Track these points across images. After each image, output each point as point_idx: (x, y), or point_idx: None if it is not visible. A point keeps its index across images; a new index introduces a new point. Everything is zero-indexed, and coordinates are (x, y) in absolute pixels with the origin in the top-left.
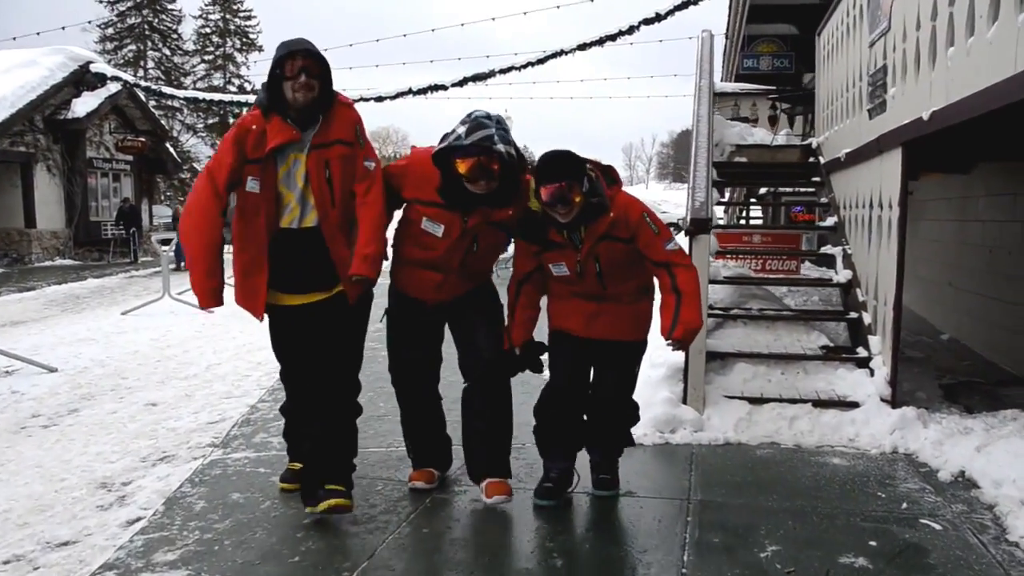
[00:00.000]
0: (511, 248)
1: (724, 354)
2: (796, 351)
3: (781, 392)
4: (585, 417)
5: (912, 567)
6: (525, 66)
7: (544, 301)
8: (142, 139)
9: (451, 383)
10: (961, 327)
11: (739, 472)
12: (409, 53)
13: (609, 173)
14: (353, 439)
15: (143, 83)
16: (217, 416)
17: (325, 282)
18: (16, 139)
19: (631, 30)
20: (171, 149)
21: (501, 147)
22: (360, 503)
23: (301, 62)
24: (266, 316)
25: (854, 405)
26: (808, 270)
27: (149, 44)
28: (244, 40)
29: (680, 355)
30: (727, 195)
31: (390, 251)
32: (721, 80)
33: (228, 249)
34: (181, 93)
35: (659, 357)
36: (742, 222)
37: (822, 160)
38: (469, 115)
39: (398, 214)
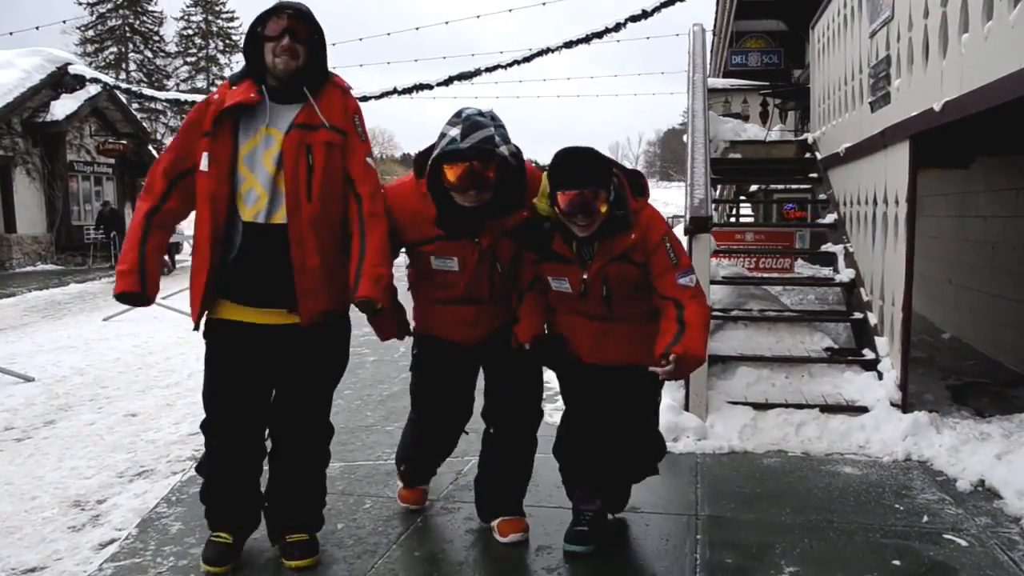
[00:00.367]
0: None
1: (726, 357)
2: (800, 353)
3: (786, 397)
4: (603, 454)
5: None
6: (511, 64)
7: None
8: (124, 142)
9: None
10: (963, 325)
11: (747, 483)
12: (394, 52)
13: (636, 181)
14: (321, 488)
15: (123, 85)
16: (198, 427)
17: (290, 298)
18: None
19: (617, 27)
20: (154, 151)
21: (504, 150)
22: (347, 523)
23: (287, 22)
24: (207, 332)
25: (863, 410)
26: (801, 268)
27: (131, 46)
28: (227, 42)
29: None
30: (717, 192)
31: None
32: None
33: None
34: (162, 95)
35: None
36: (732, 220)
37: (819, 156)
38: (459, 114)
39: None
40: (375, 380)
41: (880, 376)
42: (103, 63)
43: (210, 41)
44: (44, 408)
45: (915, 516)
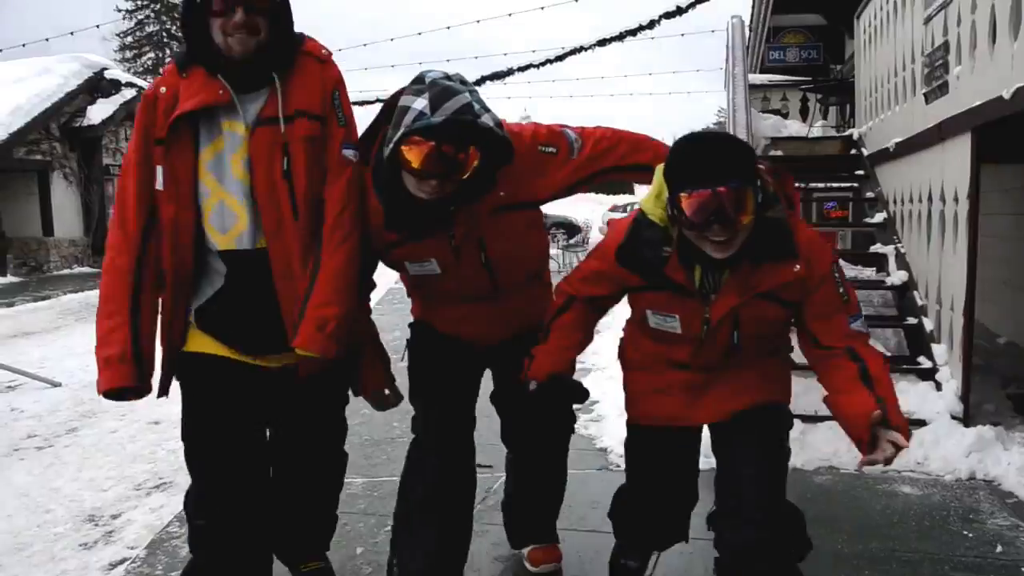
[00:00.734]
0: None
1: None
2: None
3: None
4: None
5: None
6: (544, 63)
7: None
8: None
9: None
10: (1020, 330)
11: (798, 504)
12: (425, 53)
13: (784, 185)
14: (333, 517)
15: None
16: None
17: (285, 342)
18: (32, 148)
19: (651, 25)
20: None
21: (488, 119)
22: (367, 547)
23: None
24: (180, 371)
25: (920, 423)
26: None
27: (167, 52)
28: None
29: None
30: None
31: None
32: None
33: None
34: None
35: None
36: None
37: (865, 152)
38: (421, 80)
39: None
40: (403, 387)
41: (939, 386)
42: (140, 68)
43: None
44: (68, 415)
45: (987, 545)
